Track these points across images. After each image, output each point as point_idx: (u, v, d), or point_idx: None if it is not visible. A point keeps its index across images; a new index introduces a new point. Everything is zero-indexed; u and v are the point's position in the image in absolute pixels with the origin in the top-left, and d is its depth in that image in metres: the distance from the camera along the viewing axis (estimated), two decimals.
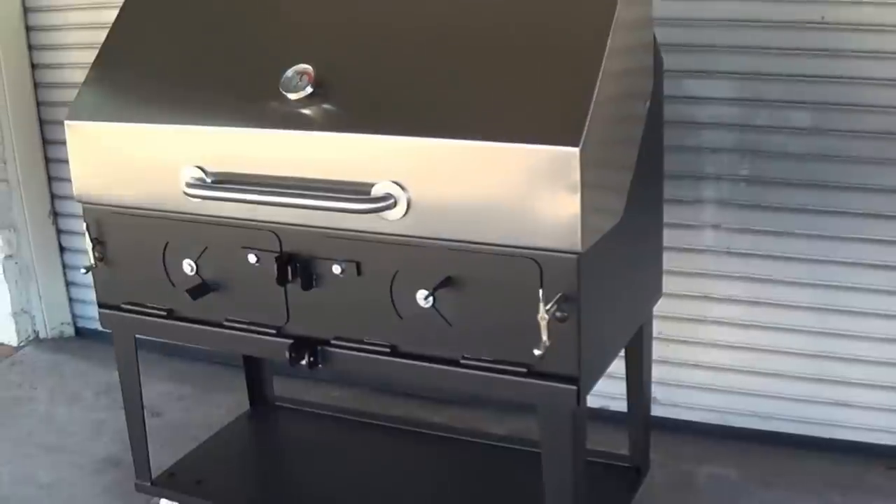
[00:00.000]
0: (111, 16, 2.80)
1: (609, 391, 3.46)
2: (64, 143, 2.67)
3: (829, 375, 3.44)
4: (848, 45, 3.11)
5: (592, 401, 3.51)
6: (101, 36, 2.77)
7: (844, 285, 3.34)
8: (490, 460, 3.20)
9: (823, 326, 3.40)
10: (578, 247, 2.19)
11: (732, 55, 3.24)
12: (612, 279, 2.46)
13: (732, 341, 3.53)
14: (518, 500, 2.96)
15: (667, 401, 3.62)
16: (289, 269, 2.47)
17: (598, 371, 2.47)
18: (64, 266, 4.61)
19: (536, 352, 2.22)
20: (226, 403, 3.84)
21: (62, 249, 4.58)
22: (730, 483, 3.32)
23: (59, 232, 4.56)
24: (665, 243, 2.96)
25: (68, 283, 4.63)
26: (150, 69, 2.68)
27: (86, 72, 2.74)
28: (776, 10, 3.15)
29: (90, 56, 2.74)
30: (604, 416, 3.52)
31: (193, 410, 3.89)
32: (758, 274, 3.43)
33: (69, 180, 2.71)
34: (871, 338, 3.37)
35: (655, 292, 2.91)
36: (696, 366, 3.58)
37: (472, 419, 3.66)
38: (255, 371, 3.49)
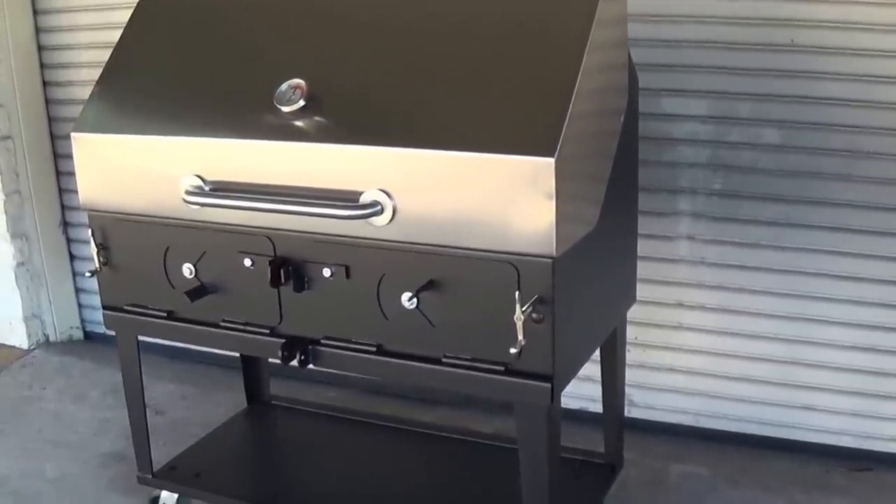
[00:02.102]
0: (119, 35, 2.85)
1: (588, 393, 3.51)
2: (72, 156, 2.71)
3: (795, 380, 3.49)
4: (816, 66, 3.16)
5: (572, 402, 3.59)
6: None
7: (811, 295, 3.39)
8: (477, 457, 3.22)
9: (791, 334, 3.45)
10: (553, 252, 2.23)
11: (707, 75, 3.29)
12: (585, 283, 2.50)
13: (705, 347, 3.57)
14: (503, 495, 2.97)
15: (643, 403, 3.66)
16: (282, 272, 2.51)
17: (572, 370, 2.50)
18: (74, 273, 4.65)
19: (512, 350, 2.26)
20: (225, 403, 3.88)
21: (72, 257, 4.63)
22: (700, 481, 3.36)
23: (69, 241, 4.61)
24: (642, 253, 2.99)
25: (77, 290, 4.67)
26: (152, 84, 2.72)
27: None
28: (749, 32, 3.20)
29: (98, 74, 2.78)
30: (582, 417, 3.57)
31: (194, 409, 3.93)
32: (730, 283, 3.47)
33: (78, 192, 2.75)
34: (836, 345, 3.41)
35: (629, 297, 2.94)
36: (670, 370, 3.62)
37: (459, 419, 3.69)
38: (252, 371, 3.52)
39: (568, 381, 2.46)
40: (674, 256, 3.50)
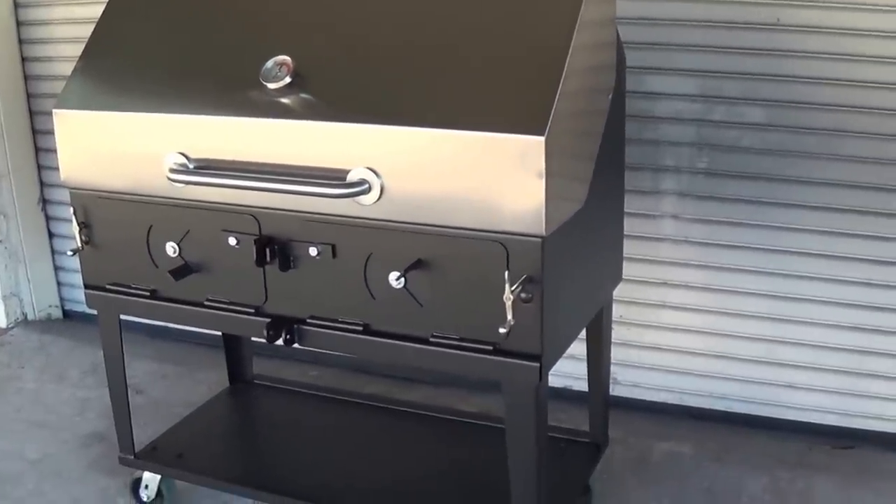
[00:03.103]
0: (100, 11, 2.79)
1: (572, 372, 3.49)
2: (53, 132, 2.66)
3: (779, 359, 3.47)
4: (801, 46, 3.14)
5: (556, 381, 3.56)
6: (90, 30, 2.76)
7: (795, 273, 3.37)
8: (461, 436, 3.20)
9: (774, 312, 3.43)
10: (542, 231, 2.20)
11: (692, 54, 3.26)
12: (573, 263, 2.47)
13: (689, 325, 3.55)
14: (487, 473, 2.96)
15: (627, 381, 3.64)
16: (267, 251, 2.47)
17: (560, 350, 2.48)
18: (52, 251, 4.58)
19: (502, 330, 2.23)
20: (207, 381, 3.84)
21: (51, 235, 4.56)
22: (684, 459, 3.34)
23: (48, 218, 4.54)
24: (627, 231, 2.97)
25: (56, 268, 4.61)
26: (136, 60, 2.67)
27: (74, 65, 2.73)
28: (734, 11, 3.17)
29: (79, 50, 2.72)
30: (567, 396, 3.55)
31: (175, 388, 3.88)
32: (714, 262, 3.45)
33: (58, 169, 2.70)
34: (819, 323, 3.40)
35: (616, 277, 2.91)
36: (654, 348, 3.60)
37: (442, 397, 3.67)
38: (235, 350, 3.48)
39: (556, 361, 2.44)
40: (658, 235, 3.48)
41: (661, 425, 3.56)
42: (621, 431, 3.33)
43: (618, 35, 2.64)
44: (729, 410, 3.58)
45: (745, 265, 3.42)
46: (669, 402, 3.66)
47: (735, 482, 3.20)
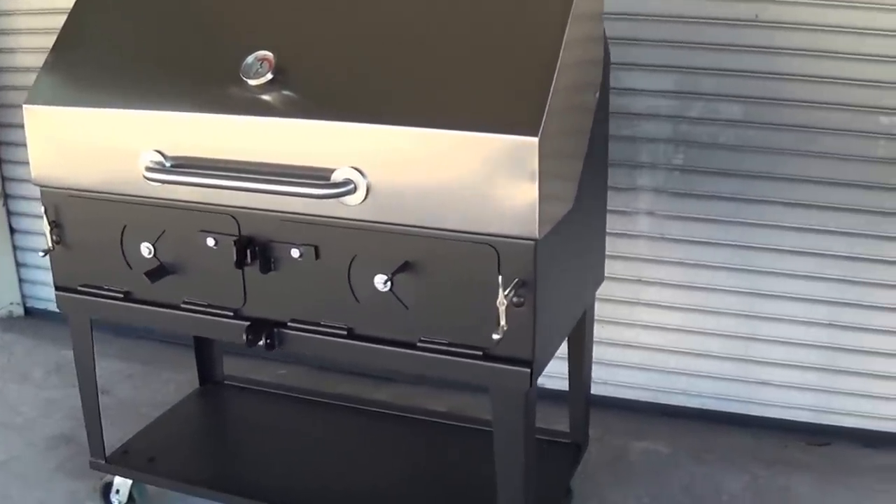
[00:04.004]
0: (64, 1, 2.65)
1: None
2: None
3: (753, 356, 3.41)
4: (780, 42, 3.07)
5: None
6: (54, 21, 2.63)
7: (770, 270, 3.31)
8: (435, 437, 3.11)
9: (749, 309, 3.37)
10: (536, 233, 2.11)
11: (670, 49, 3.18)
12: (563, 265, 2.38)
13: (664, 323, 3.48)
14: (463, 474, 2.90)
15: (601, 379, 3.55)
16: (248, 252, 2.35)
17: (550, 354, 2.39)
18: (14, 247, 4.41)
19: (495, 336, 2.14)
20: (174, 381, 3.72)
21: (12, 231, 4.38)
22: (662, 458, 3.27)
23: (9, 214, 4.36)
24: None
25: (18, 264, 4.44)
26: (110, 54, 2.54)
27: (38, 56, 2.60)
28: (713, 7, 3.09)
29: (41, 41, 2.59)
30: (539, 394, 3.45)
31: (142, 388, 3.74)
32: (689, 259, 3.38)
33: (20, 163, 2.58)
34: (792, 320, 3.34)
35: (598, 277, 2.83)
36: (629, 346, 3.53)
37: (411, 396, 3.58)
38: (205, 350, 3.35)
39: (545, 365, 2.35)
40: (633, 232, 3.39)
41: (635, 423, 3.48)
42: (596, 430, 3.22)
43: (604, 31, 2.54)
44: (703, 408, 3.51)
45: (721, 262, 3.34)
46: (643, 399, 3.58)
47: (714, 480, 3.13)
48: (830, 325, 3.29)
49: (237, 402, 3.30)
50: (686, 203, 3.31)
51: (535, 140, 2.04)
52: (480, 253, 2.17)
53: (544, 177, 2.08)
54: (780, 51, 3.07)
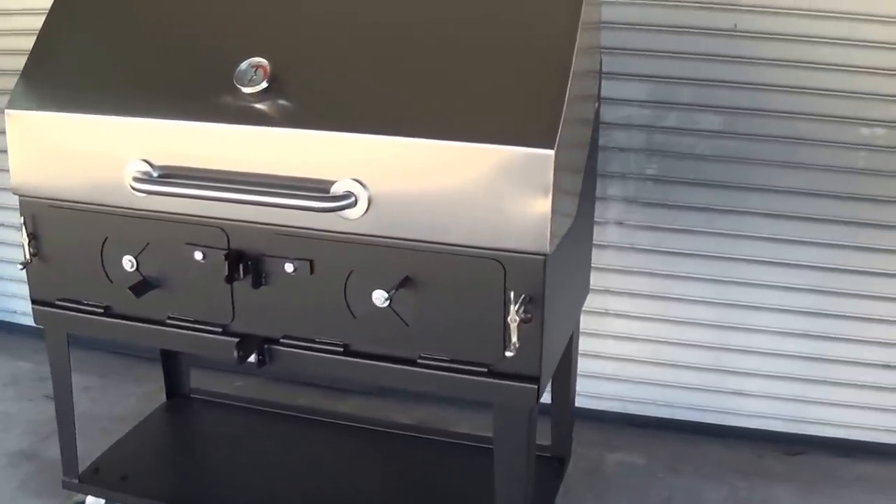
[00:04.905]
0: (42, 1, 2.53)
1: None
2: None
3: (726, 366, 3.38)
4: (758, 52, 3.04)
5: None
6: (33, 21, 2.50)
7: (743, 281, 3.28)
8: (401, 449, 3.05)
9: (721, 320, 3.34)
10: (546, 248, 2.05)
11: (645, 58, 3.13)
12: (563, 279, 2.32)
13: (633, 333, 3.44)
14: (430, 486, 2.86)
15: None
16: (240, 266, 2.25)
17: (552, 368, 2.34)
18: None
19: (508, 354, 2.07)
20: (134, 394, 3.59)
21: None
22: (639, 470, 3.23)
23: None
24: None
25: None
26: (95, 57, 2.42)
27: (9, 58, 2.46)
28: (691, 16, 3.05)
29: (20, 42, 2.45)
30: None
31: (101, 401, 3.59)
32: (659, 269, 3.34)
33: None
34: (766, 330, 3.32)
35: (586, 288, 2.79)
36: (598, 356, 3.47)
37: (373, 408, 3.50)
38: (172, 364, 3.23)
39: (549, 381, 2.29)
40: (602, 242, 3.34)
41: (606, 434, 3.43)
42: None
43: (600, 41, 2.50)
44: (674, 418, 3.48)
45: (694, 273, 3.31)
46: (612, 410, 3.53)
47: (694, 493, 3.09)
48: (804, 335, 3.28)
49: (206, 417, 3.19)
50: (658, 213, 3.28)
51: (552, 153, 1.98)
52: (486, 268, 2.10)
53: (556, 191, 2.02)
54: (758, 61, 3.05)
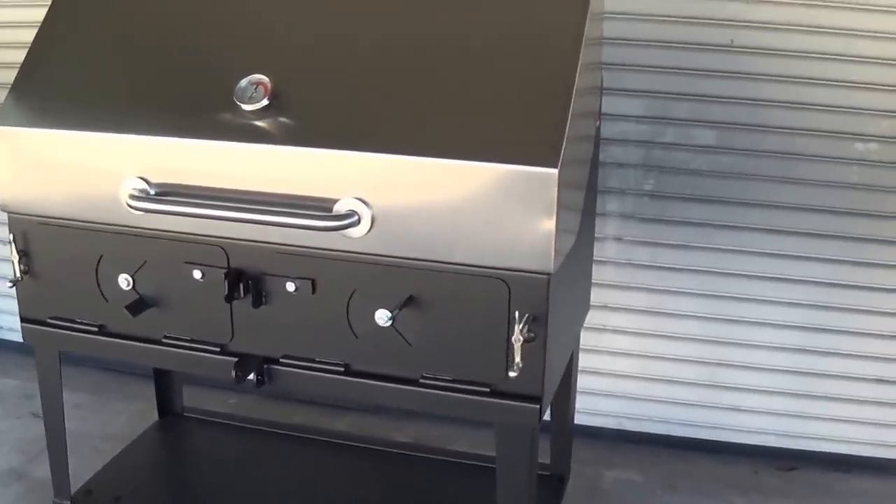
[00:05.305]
0: (34, 14, 2.51)
1: None
2: None
3: (721, 381, 3.38)
4: (755, 68, 3.05)
5: None
6: (24, 35, 2.48)
7: (739, 296, 3.29)
8: (397, 467, 3.04)
9: (718, 335, 3.34)
10: (551, 268, 2.05)
11: (643, 74, 3.13)
12: (565, 297, 2.32)
13: (630, 349, 3.43)
14: None
15: None
16: (241, 286, 2.24)
17: (554, 388, 2.33)
18: None
19: (512, 374, 2.06)
20: (125, 412, 3.56)
21: None
22: (637, 487, 3.22)
23: None
24: None
25: None
26: (90, 72, 2.40)
27: (6, 72, 2.45)
28: (689, 32, 3.06)
29: (10, 55, 2.43)
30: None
31: (91, 419, 3.56)
32: (657, 285, 3.34)
33: None
34: (762, 346, 3.32)
35: (587, 305, 2.79)
36: (594, 373, 3.47)
37: (370, 426, 3.50)
38: (164, 382, 3.21)
39: (550, 400, 2.28)
40: (600, 258, 3.33)
41: (602, 451, 3.43)
42: None
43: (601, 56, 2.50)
44: (669, 434, 3.48)
45: (690, 288, 3.31)
46: (608, 426, 3.53)
47: None
48: (801, 350, 3.28)
49: (200, 436, 3.17)
50: (656, 229, 3.28)
51: (555, 172, 1.97)
52: (490, 287, 2.09)
53: (560, 209, 2.01)
54: (755, 76, 3.05)
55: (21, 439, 3.37)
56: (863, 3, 2.94)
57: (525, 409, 2.16)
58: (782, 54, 3.02)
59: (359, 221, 2.11)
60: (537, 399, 2.15)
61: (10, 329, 3.97)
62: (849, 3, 2.95)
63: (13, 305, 2.54)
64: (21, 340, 2.60)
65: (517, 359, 2.06)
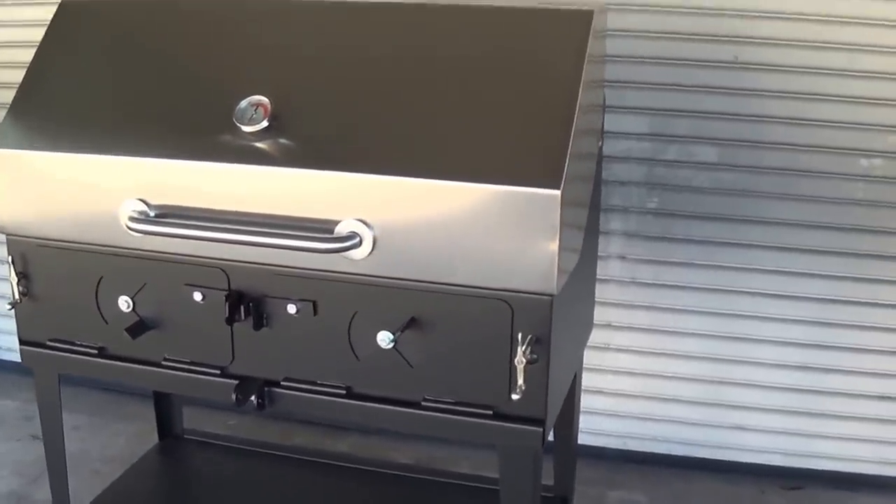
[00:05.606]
0: (33, 34, 2.52)
1: None
2: None
3: (726, 400, 3.38)
4: (758, 84, 3.05)
5: None
6: (23, 54, 2.48)
7: (743, 314, 3.28)
8: (397, 490, 3.02)
9: (721, 353, 3.34)
10: (554, 289, 2.03)
11: (645, 91, 3.13)
12: (568, 317, 2.31)
13: (634, 368, 3.43)
14: None
15: None
16: (240, 307, 2.23)
17: (557, 410, 2.32)
18: None
19: (515, 396, 2.05)
20: (125, 433, 3.55)
21: None
22: None
23: None
24: None
25: None
26: (87, 93, 2.39)
27: (5, 92, 2.45)
28: (691, 48, 3.06)
29: (9, 75, 2.43)
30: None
31: (91, 441, 3.56)
32: (661, 303, 3.34)
33: None
34: (766, 363, 3.31)
35: (590, 325, 2.78)
36: (597, 392, 3.46)
37: (372, 447, 3.50)
38: (164, 403, 3.20)
39: (554, 422, 2.27)
40: (603, 276, 3.33)
41: (606, 471, 3.42)
42: None
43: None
44: (674, 454, 3.47)
45: (694, 306, 3.31)
46: (611, 446, 3.52)
47: None
48: (804, 368, 3.28)
49: (201, 459, 3.15)
50: (659, 247, 3.27)
51: (558, 193, 1.96)
52: (493, 309, 2.09)
53: (563, 229, 2.01)
54: (758, 92, 3.05)
55: (21, 462, 3.36)
56: (867, 18, 2.94)
57: (528, 432, 2.15)
58: (785, 70, 3.02)
59: (360, 243, 2.10)
60: (540, 422, 2.14)
61: (9, 349, 3.96)
62: (853, 18, 2.96)
63: (12, 325, 2.53)
64: (20, 361, 2.59)
65: (520, 381, 2.05)
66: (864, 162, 3.06)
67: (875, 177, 3.08)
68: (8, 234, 2.42)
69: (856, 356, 3.25)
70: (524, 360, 2.04)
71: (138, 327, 2.35)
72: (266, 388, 2.31)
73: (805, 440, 3.35)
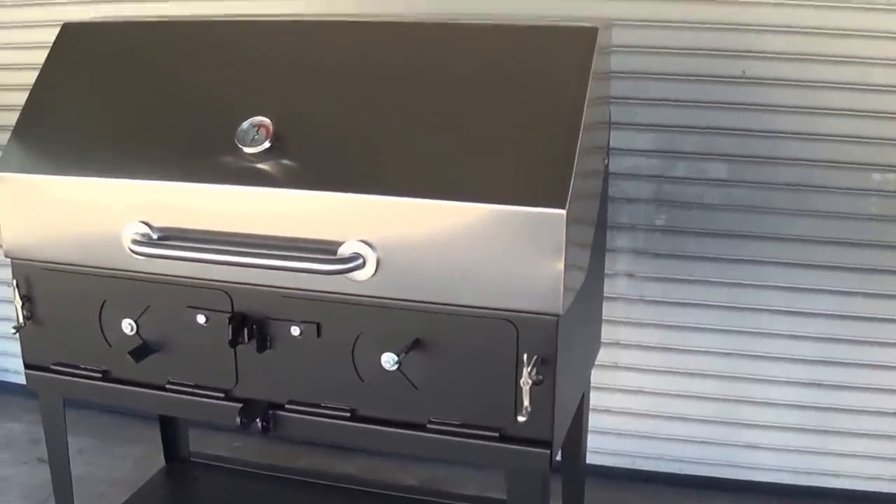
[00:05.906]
0: (35, 56, 2.52)
1: None
2: None
3: (736, 418, 3.36)
4: (768, 99, 3.04)
5: None
6: (26, 77, 2.48)
7: (753, 331, 3.27)
8: None
9: (731, 370, 3.33)
10: (559, 309, 2.02)
11: (652, 107, 3.12)
12: (575, 338, 2.29)
13: (643, 386, 3.41)
14: None
15: None
16: (244, 330, 2.22)
17: (565, 431, 2.30)
18: None
19: (521, 418, 2.04)
20: (131, 456, 3.54)
21: None
22: None
23: None
24: None
25: None
26: (90, 116, 2.39)
27: (7, 115, 2.45)
28: (699, 64, 3.05)
29: (12, 97, 2.43)
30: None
31: (96, 464, 3.55)
32: (669, 321, 3.32)
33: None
34: (776, 381, 3.30)
35: (597, 344, 2.76)
36: (606, 411, 3.45)
37: (377, 468, 3.49)
38: (170, 426, 3.19)
39: (561, 443, 2.25)
40: (611, 294, 3.31)
41: (616, 491, 3.41)
42: None
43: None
44: (683, 473, 3.45)
45: (703, 323, 3.30)
46: (621, 466, 3.51)
47: None
48: (816, 385, 3.26)
49: (208, 482, 3.14)
50: (668, 264, 3.27)
51: (563, 213, 1.95)
52: (498, 329, 2.07)
53: (568, 249, 2.00)
54: (768, 107, 3.04)
55: (27, 485, 3.36)
56: (879, 31, 2.93)
57: (535, 454, 2.13)
58: (796, 84, 3.01)
59: (364, 264, 2.09)
60: (547, 444, 2.12)
61: (16, 372, 3.96)
62: (864, 31, 2.95)
63: (18, 348, 2.53)
64: (25, 383, 2.59)
65: (526, 402, 2.03)
66: (877, 176, 3.04)
67: (889, 191, 3.07)
68: (12, 258, 2.42)
69: (869, 372, 3.23)
70: (530, 382, 2.03)
71: (142, 350, 2.34)
72: (270, 411, 2.30)
73: (817, 458, 3.33)
